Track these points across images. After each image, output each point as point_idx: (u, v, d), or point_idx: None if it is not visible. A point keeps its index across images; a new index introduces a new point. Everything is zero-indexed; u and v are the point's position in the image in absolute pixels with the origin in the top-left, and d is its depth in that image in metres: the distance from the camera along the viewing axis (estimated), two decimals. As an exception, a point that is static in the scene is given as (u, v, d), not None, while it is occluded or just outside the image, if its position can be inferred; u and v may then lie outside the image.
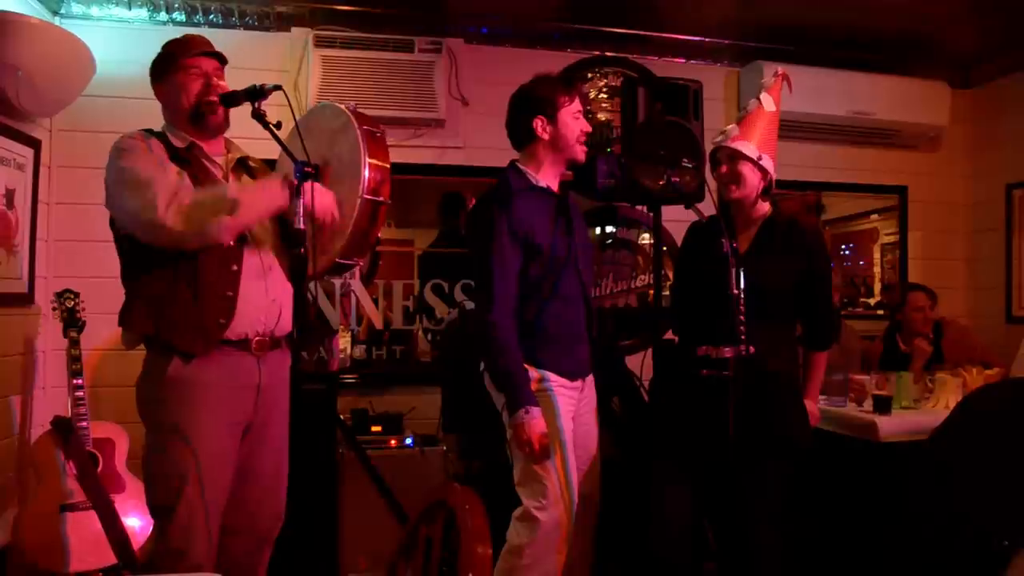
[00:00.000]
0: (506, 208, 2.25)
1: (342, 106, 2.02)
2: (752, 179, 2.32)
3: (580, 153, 2.34)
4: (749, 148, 2.30)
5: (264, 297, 1.97)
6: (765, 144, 2.33)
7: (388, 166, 1.94)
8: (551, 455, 2.21)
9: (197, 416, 1.88)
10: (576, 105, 2.33)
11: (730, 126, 2.40)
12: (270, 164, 2.22)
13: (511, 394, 2.21)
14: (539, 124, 2.30)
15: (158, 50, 2.05)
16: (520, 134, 2.36)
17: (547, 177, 2.36)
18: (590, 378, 2.43)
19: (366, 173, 1.89)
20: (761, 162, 2.31)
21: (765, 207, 2.40)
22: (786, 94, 2.45)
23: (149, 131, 2.01)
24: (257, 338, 1.96)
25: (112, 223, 1.98)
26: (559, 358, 2.29)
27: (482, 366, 2.35)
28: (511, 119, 2.38)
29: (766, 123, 2.36)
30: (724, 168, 2.34)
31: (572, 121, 2.31)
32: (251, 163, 2.15)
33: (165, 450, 1.89)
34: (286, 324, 2.03)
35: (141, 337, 1.94)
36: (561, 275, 2.30)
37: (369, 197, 1.89)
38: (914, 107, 4.19)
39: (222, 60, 2.05)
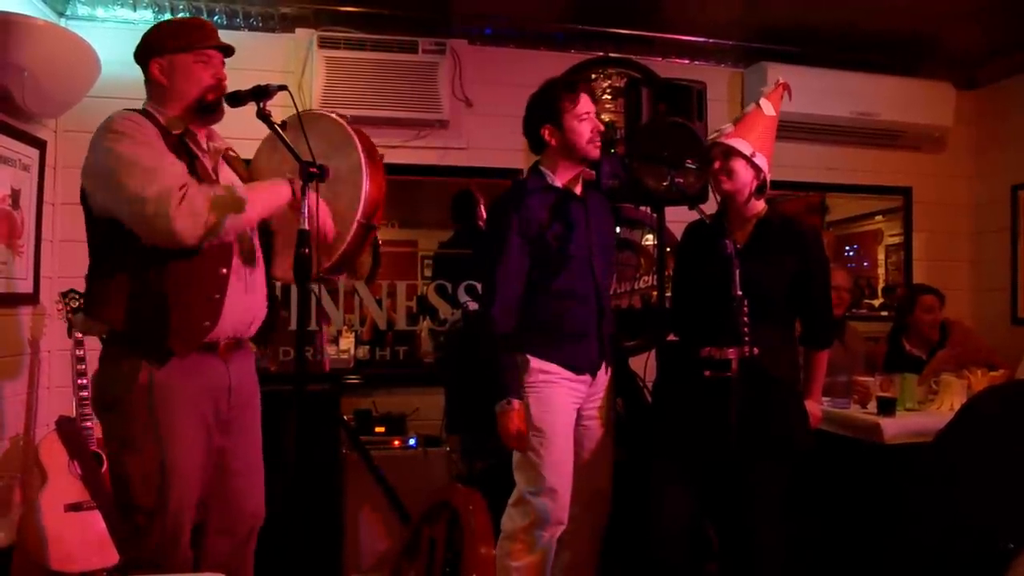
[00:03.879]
0: (517, 208, 2.33)
1: (342, 121, 2.00)
2: (744, 175, 2.32)
3: (593, 151, 2.37)
4: (743, 144, 2.30)
5: (243, 303, 1.95)
6: (761, 145, 2.33)
7: (384, 190, 1.95)
8: (542, 444, 2.28)
9: (173, 418, 1.84)
10: (582, 107, 2.34)
11: (726, 125, 2.40)
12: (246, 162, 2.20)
13: (498, 384, 2.29)
14: (547, 132, 2.37)
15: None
16: (534, 141, 2.44)
17: (563, 178, 2.41)
18: (601, 375, 2.44)
19: (366, 188, 1.89)
20: (755, 159, 2.30)
21: (760, 206, 2.39)
22: (790, 96, 2.45)
23: (143, 112, 1.90)
24: (225, 341, 1.94)
25: (88, 209, 1.88)
26: (564, 352, 2.35)
27: None
28: (525, 127, 2.45)
29: (763, 126, 2.35)
30: (717, 164, 2.35)
31: (578, 125, 2.34)
32: (230, 153, 2.10)
33: (143, 452, 1.83)
34: (254, 330, 2.03)
35: (108, 330, 1.87)
36: (568, 272, 2.35)
37: (363, 221, 1.91)
38: (919, 108, 4.18)
39: (228, 53, 1.99)
